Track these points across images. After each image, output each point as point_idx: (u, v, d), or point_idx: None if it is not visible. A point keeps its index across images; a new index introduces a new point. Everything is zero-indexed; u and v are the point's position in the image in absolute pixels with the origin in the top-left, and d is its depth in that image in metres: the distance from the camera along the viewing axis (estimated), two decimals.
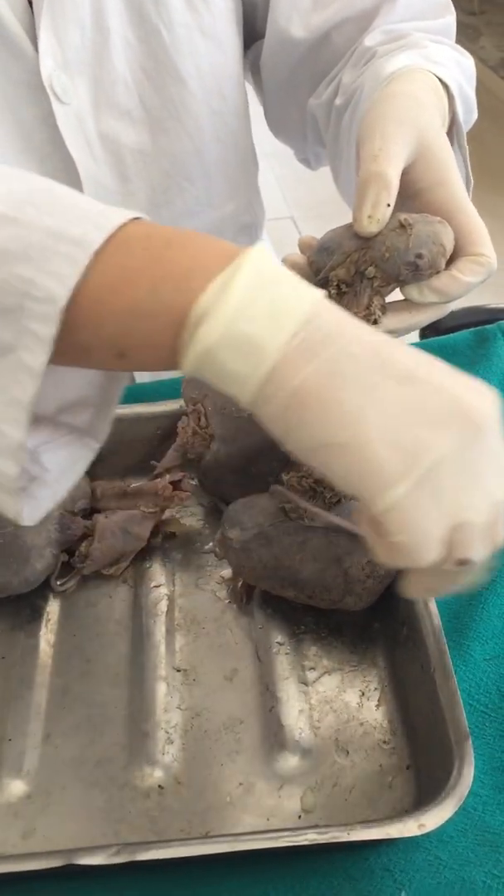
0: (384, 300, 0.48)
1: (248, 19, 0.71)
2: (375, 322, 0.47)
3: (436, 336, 0.76)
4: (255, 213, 0.82)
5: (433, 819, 0.39)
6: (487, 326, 0.71)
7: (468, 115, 0.64)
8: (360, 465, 0.32)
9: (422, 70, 0.56)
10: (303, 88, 0.72)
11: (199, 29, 0.66)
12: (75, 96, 0.64)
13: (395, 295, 0.48)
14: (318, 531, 0.49)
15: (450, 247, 0.47)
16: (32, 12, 0.61)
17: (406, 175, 0.48)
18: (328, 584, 0.49)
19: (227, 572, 0.56)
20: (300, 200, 2.42)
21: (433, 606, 0.47)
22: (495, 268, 0.47)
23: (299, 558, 0.49)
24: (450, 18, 0.68)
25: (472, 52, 0.69)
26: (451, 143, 0.61)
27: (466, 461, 0.33)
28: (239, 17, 0.69)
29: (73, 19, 0.61)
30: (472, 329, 0.71)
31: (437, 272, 0.47)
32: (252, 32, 0.72)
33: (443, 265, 0.47)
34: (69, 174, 0.66)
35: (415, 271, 0.46)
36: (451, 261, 0.47)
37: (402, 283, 0.47)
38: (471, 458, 0.33)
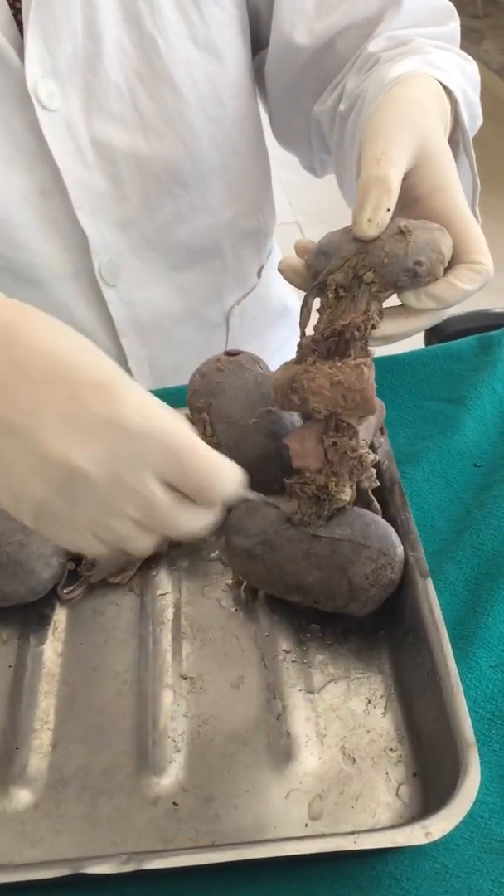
0: (381, 305, 0.48)
1: (253, 28, 0.71)
2: (373, 327, 0.48)
3: (440, 342, 0.77)
4: (261, 219, 0.82)
5: (440, 827, 0.39)
6: (492, 332, 0.71)
7: (473, 120, 0.64)
8: None
9: (425, 75, 0.56)
10: (307, 95, 0.72)
11: (192, 39, 0.66)
12: (65, 102, 0.64)
13: (393, 300, 0.49)
14: (322, 540, 0.50)
15: (448, 254, 0.47)
16: (16, 22, 0.61)
17: (406, 180, 0.48)
18: (333, 591, 0.49)
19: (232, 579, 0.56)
20: (306, 206, 2.42)
21: (439, 614, 0.47)
22: (492, 275, 0.47)
23: (304, 566, 0.49)
24: (454, 25, 0.68)
25: (476, 56, 0.70)
26: (457, 149, 0.62)
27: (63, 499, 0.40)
28: (244, 25, 0.70)
29: (64, 28, 0.61)
30: (476, 335, 0.71)
31: (436, 279, 0.47)
32: (256, 41, 0.73)
33: (441, 272, 0.47)
34: (57, 181, 0.66)
35: (413, 278, 0.46)
36: (448, 267, 0.47)
37: (399, 289, 0.47)
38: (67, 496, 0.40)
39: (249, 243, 0.82)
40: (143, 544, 0.42)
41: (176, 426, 0.39)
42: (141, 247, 0.73)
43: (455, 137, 0.61)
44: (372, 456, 0.51)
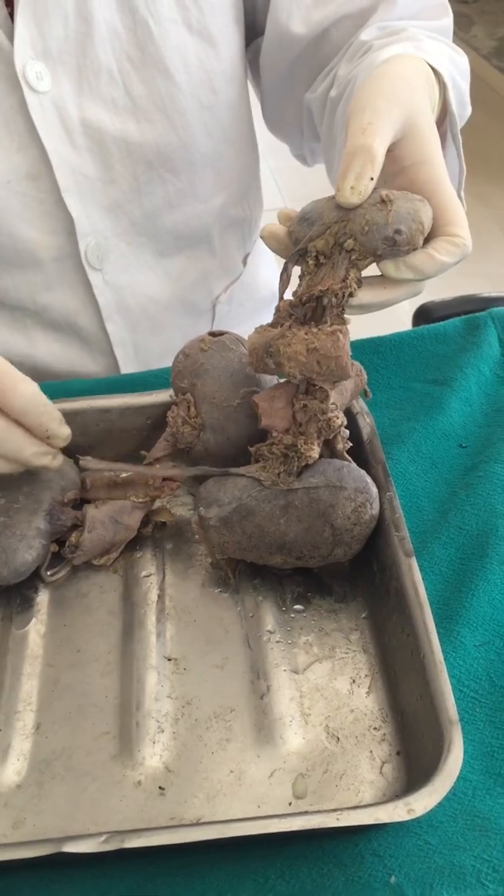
0: (360, 274, 0.48)
1: (248, 16, 0.71)
2: (351, 295, 0.48)
3: (427, 324, 0.76)
4: (248, 208, 0.82)
5: (422, 804, 0.39)
6: (478, 314, 0.71)
7: (462, 108, 0.64)
8: None
9: (414, 57, 0.56)
10: (300, 84, 0.72)
11: (185, 24, 0.65)
12: (55, 85, 0.63)
13: (373, 270, 0.49)
14: (299, 491, 0.50)
15: (428, 225, 0.47)
16: (6, 4, 0.61)
17: (391, 152, 0.48)
18: (316, 541, 0.50)
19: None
20: (294, 192, 2.41)
21: (423, 593, 0.47)
22: (470, 250, 0.47)
23: (283, 522, 0.50)
24: (447, 21, 0.68)
25: (465, 41, 0.70)
26: (444, 135, 0.62)
27: None
28: (239, 13, 0.69)
29: (55, 8, 0.61)
30: (463, 317, 0.71)
31: (415, 249, 0.47)
32: (251, 30, 0.72)
33: (420, 243, 0.47)
34: (45, 164, 0.65)
35: (392, 247, 0.46)
36: (427, 240, 0.47)
37: (379, 258, 0.47)
38: None
39: (237, 231, 0.82)
40: None
41: None
42: (129, 231, 0.72)
43: (443, 122, 0.61)
44: (341, 419, 0.51)
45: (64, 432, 0.53)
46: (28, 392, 0.50)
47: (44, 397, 0.51)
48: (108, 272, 0.73)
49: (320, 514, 0.50)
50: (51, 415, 0.52)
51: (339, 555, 0.51)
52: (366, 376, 0.54)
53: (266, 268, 0.91)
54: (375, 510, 0.51)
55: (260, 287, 0.89)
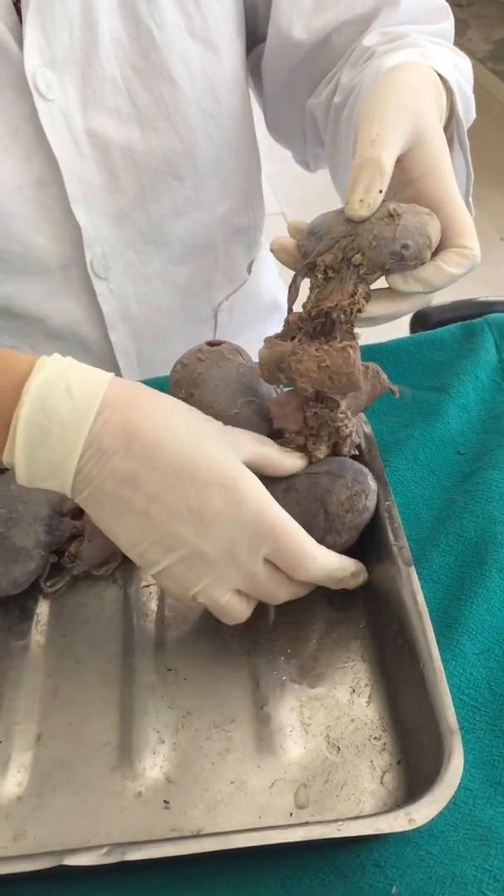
0: (369, 288, 0.48)
1: (249, 23, 0.71)
2: (360, 310, 0.48)
3: (425, 328, 0.76)
4: (252, 215, 0.82)
5: (423, 813, 0.39)
6: (475, 320, 0.71)
7: (467, 113, 0.64)
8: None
9: (420, 64, 0.56)
10: (302, 90, 0.72)
11: (189, 31, 0.66)
12: (62, 93, 0.64)
13: (381, 283, 0.49)
14: (301, 476, 0.51)
15: (436, 239, 0.48)
16: (17, 11, 0.61)
17: (400, 162, 0.48)
18: (309, 524, 0.50)
19: None
20: (290, 197, 2.42)
21: (422, 602, 0.47)
22: (479, 261, 0.48)
23: (284, 503, 0.50)
24: (448, 24, 0.68)
25: (461, 45, 0.70)
26: (451, 140, 0.62)
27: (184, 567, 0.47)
28: (240, 21, 0.70)
29: (61, 16, 0.61)
30: (459, 323, 0.71)
31: (423, 263, 0.47)
32: (252, 36, 0.73)
33: (428, 256, 0.47)
34: (53, 171, 0.66)
35: (400, 261, 0.47)
36: (436, 251, 0.48)
37: (387, 272, 0.48)
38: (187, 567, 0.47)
39: (241, 239, 0.82)
40: (240, 611, 0.49)
41: (282, 516, 0.46)
42: (135, 240, 0.73)
43: (450, 128, 0.61)
44: (350, 427, 0.52)
45: (359, 581, 0.51)
46: (321, 563, 0.48)
47: (338, 562, 0.49)
48: (114, 281, 0.73)
49: (317, 497, 0.51)
50: (346, 573, 0.50)
51: (330, 543, 0.51)
52: (385, 376, 0.54)
53: (269, 276, 0.92)
54: (371, 503, 0.51)
55: (262, 294, 0.90)
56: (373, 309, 0.48)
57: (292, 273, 0.51)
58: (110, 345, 0.76)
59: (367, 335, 0.72)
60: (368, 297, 0.48)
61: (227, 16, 0.67)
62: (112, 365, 0.77)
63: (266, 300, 0.90)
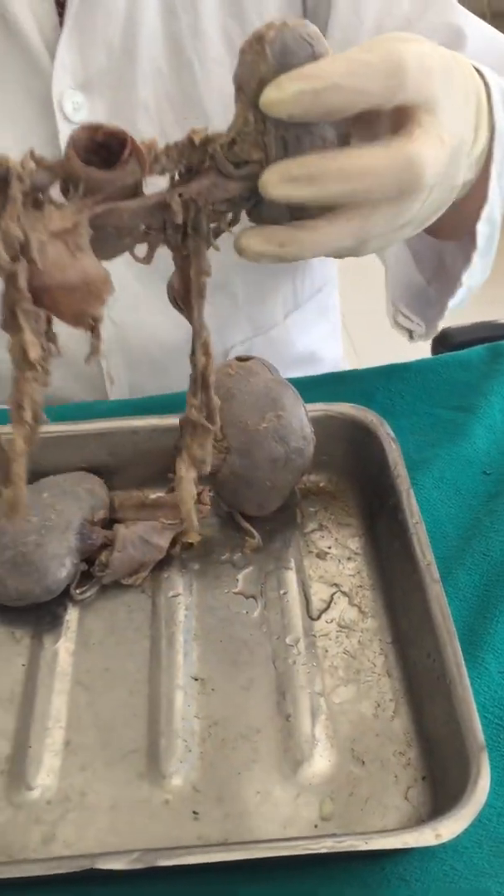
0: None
1: None
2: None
3: (447, 349, 0.77)
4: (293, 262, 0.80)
5: (449, 829, 0.40)
6: (501, 342, 0.72)
7: None
8: None
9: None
10: None
11: (232, 68, 0.65)
12: (90, 116, 0.64)
13: None
14: None
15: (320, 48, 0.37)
16: (57, 13, 0.61)
17: None
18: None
19: (244, 574, 0.56)
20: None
21: (450, 619, 0.48)
22: None
23: None
24: None
25: None
26: (492, 154, 0.56)
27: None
28: None
29: (101, 39, 0.61)
30: (485, 344, 0.72)
31: None
32: None
33: None
34: None
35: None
36: None
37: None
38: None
39: (272, 282, 0.77)
40: None
41: None
42: (143, 271, 0.70)
43: (490, 145, 0.57)
44: None
45: None
46: None
47: None
48: (116, 309, 0.71)
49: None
50: None
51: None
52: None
53: (315, 330, 0.85)
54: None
55: (294, 344, 0.83)
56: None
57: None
58: (101, 370, 0.74)
59: (392, 355, 0.73)
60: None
61: None
62: (100, 391, 0.75)
63: (298, 350, 0.83)
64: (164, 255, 0.70)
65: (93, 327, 0.39)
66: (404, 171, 0.36)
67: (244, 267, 0.74)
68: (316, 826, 0.44)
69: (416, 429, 0.66)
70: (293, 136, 0.36)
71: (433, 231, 0.62)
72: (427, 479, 0.61)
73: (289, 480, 0.59)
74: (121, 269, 0.69)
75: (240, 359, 0.62)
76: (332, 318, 0.89)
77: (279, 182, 0.35)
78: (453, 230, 0.58)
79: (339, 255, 0.39)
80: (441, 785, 0.45)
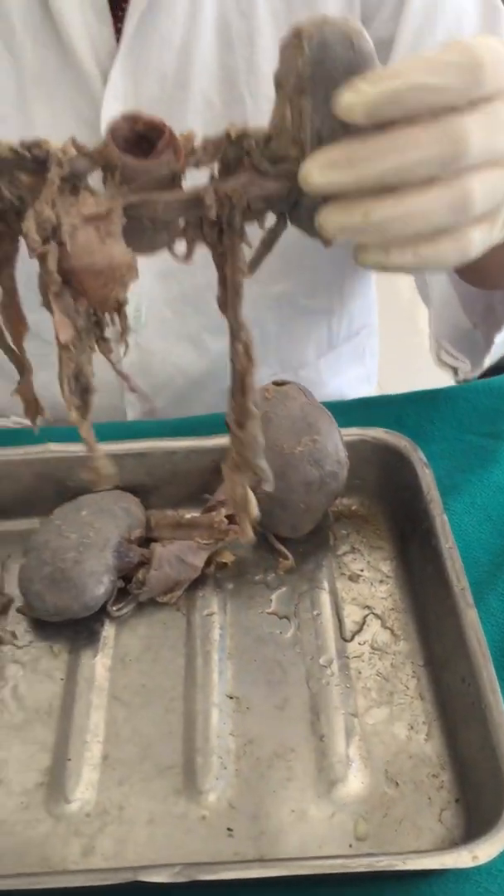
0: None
1: None
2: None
3: (479, 378, 0.78)
4: (329, 300, 0.76)
5: (486, 851, 0.40)
6: None
7: None
8: None
9: None
10: None
11: None
12: None
13: None
14: None
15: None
16: (115, 31, 0.61)
17: None
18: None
19: (277, 594, 0.57)
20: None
21: (485, 644, 0.48)
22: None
23: None
24: None
25: None
26: None
27: None
28: None
29: (155, 67, 0.62)
30: None
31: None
32: None
33: None
34: None
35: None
36: None
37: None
38: None
39: (308, 324, 0.76)
40: None
41: None
42: (177, 300, 0.71)
43: None
44: None
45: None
46: None
47: None
48: (144, 335, 0.71)
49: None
50: None
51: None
52: None
53: (351, 372, 0.84)
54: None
55: (326, 386, 0.81)
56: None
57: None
58: (121, 393, 0.74)
59: (424, 381, 0.74)
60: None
61: None
62: (119, 411, 0.75)
63: (328, 391, 0.81)
64: (196, 285, 0.70)
65: (118, 309, 0.40)
66: (445, 140, 0.33)
67: (279, 304, 0.74)
68: (350, 846, 0.45)
69: (447, 454, 0.67)
70: (328, 130, 0.35)
71: (481, 279, 0.62)
72: (458, 505, 0.62)
73: (322, 503, 0.60)
74: (153, 294, 0.71)
75: (276, 383, 0.63)
76: (367, 362, 0.88)
77: (319, 168, 0.34)
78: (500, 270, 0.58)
79: (440, 256, 0.35)
80: (475, 809, 0.45)
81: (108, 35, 0.61)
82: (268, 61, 0.63)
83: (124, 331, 0.40)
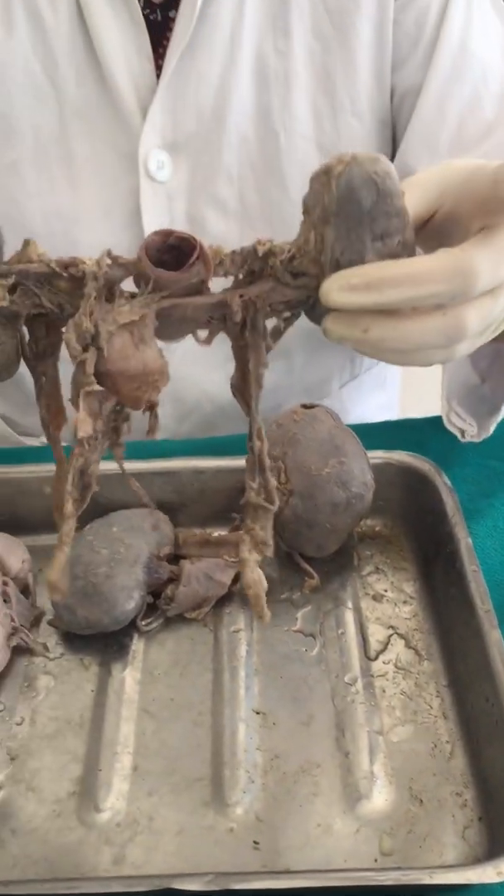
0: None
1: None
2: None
3: None
4: None
5: None
6: None
7: None
8: None
9: None
10: None
11: (317, 143, 0.65)
12: (173, 176, 0.66)
13: None
14: None
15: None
16: (155, 68, 0.63)
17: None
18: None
19: (303, 613, 0.59)
20: None
21: None
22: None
23: None
24: None
25: None
26: None
27: None
28: (383, 138, 0.68)
29: (193, 103, 0.63)
30: None
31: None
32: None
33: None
34: None
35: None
36: None
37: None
38: None
39: (332, 355, 0.78)
40: None
41: None
42: None
43: None
44: None
45: None
46: None
47: None
48: (173, 361, 0.72)
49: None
50: None
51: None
52: None
53: (372, 400, 0.85)
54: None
55: (347, 412, 0.82)
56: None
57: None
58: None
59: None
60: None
61: (366, 135, 0.66)
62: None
63: (350, 419, 0.80)
64: None
65: (150, 408, 0.42)
66: (456, 275, 0.36)
67: (307, 334, 0.75)
68: (376, 860, 0.46)
69: (469, 478, 0.68)
70: (346, 260, 0.39)
71: None
72: (481, 528, 0.63)
73: (348, 524, 0.61)
74: None
75: (305, 406, 0.64)
76: (389, 389, 0.90)
77: (338, 290, 0.37)
78: None
79: (427, 359, 0.39)
80: (498, 827, 0.46)
81: (149, 71, 0.63)
82: (303, 101, 0.65)
83: (152, 429, 0.43)
